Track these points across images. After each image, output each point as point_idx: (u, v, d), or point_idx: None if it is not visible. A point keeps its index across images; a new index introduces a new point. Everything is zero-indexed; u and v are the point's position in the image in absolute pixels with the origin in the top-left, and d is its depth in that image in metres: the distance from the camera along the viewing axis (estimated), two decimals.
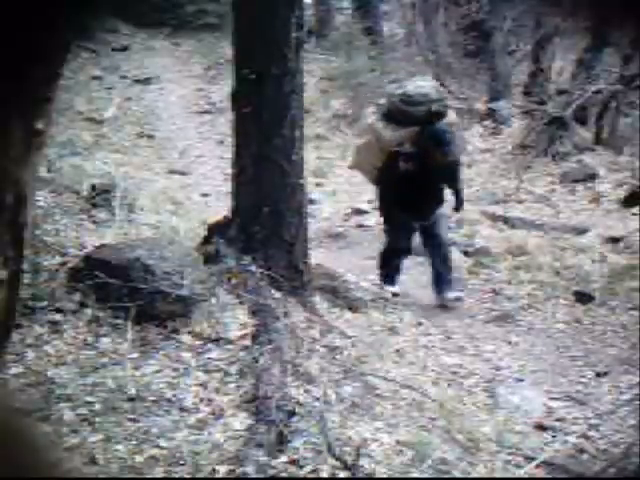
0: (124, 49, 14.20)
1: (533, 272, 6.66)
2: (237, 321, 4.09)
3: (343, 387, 3.88)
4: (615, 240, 7.23)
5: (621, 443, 4.15)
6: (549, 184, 9.00)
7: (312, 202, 7.46)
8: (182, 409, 3.36)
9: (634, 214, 7.71)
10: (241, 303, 4.25)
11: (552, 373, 5.13)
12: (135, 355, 3.70)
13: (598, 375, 5.09)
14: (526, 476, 3.70)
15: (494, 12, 11.22)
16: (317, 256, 5.55)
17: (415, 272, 6.79)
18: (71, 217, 5.22)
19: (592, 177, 8.87)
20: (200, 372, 3.65)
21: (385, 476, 3.18)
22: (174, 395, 3.45)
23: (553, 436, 4.30)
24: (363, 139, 6.19)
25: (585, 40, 10.02)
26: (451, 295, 6.13)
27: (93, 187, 5.72)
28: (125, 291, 3.90)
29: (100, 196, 5.59)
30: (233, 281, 4.40)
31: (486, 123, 10.51)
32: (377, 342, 4.93)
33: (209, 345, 3.86)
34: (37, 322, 3.78)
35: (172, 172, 9.12)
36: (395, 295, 6.20)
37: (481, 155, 9.90)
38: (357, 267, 6.74)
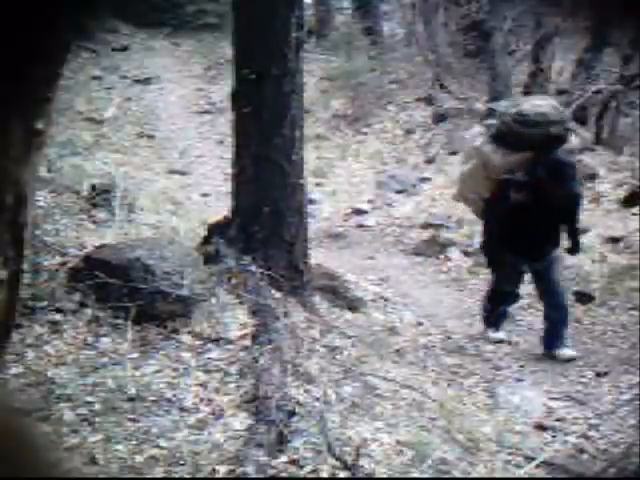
0: (124, 49, 14.20)
1: None
2: (237, 321, 4.10)
3: (343, 387, 3.88)
4: (615, 240, 7.23)
5: (621, 443, 4.14)
6: None
7: (312, 202, 7.46)
8: (182, 409, 3.36)
9: (634, 214, 7.70)
10: (241, 303, 4.25)
11: (552, 373, 5.13)
12: (135, 355, 3.70)
13: (598, 375, 5.09)
14: (526, 476, 3.70)
15: (494, 12, 11.20)
16: (317, 256, 5.55)
17: (415, 272, 6.79)
18: (71, 217, 5.22)
19: (592, 177, 8.87)
20: (200, 372, 3.65)
21: (385, 476, 3.18)
22: (174, 395, 3.45)
23: (553, 436, 4.29)
24: (468, 165, 5.39)
25: (585, 40, 10.02)
26: (564, 353, 5.28)
27: (93, 187, 5.73)
28: (125, 291, 3.90)
29: (100, 196, 5.59)
30: (233, 281, 4.40)
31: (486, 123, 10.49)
32: (377, 342, 4.93)
33: (209, 345, 3.86)
34: (37, 322, 3.79)
35: (172, 172, 9.13)
36: (499, 342, 5.54)
37: None
38: (357, 267, 6.75)
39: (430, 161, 9.98)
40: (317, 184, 9.02)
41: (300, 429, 3.28)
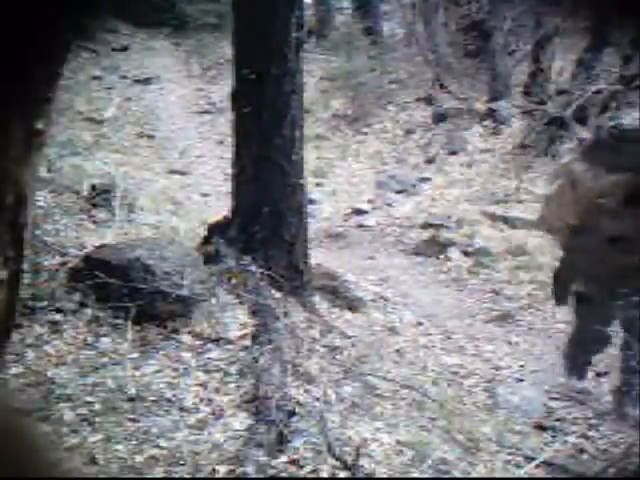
0: (124, 49, 14.20)
1: (533, 272, 6.65)
2: (237, 321, 4.10)
3: (343, 387, 3.88)
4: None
5: (621, 443, 4.14)
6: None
7: (312, 202, 7.45)
8: (182, 409, 3.37)
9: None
10: (241, 303, 4.25)
11: (552, 373, 5.13)
12: (135, 355, 3.70)
13: (598, 375, 5.08)
14: (526, 476, 3.70)
15: (494, 12, 11.21)
16: (317, 256, 5.55)
17: (415, 272, 6.79)
18: (71, 217, 5.22)
19: None
20: (200, 372, 3.65)
21: (385, 476, 3.18)
22: (174, 395, 3.45)
23: (553, 436, 4.29)
24: (554, 185, 4.65)
25: (585, 40, 10.01)
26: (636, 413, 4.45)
27: (93, 187, 5.73)
28: (125, 291, 3.90)
29: (100, 196, 5.59)
30: (233, 281, 4.40)
31: (486, 123, 10.50)
32: (377, 342, 4.94)
33: (209, 345, 3.86)
34: (37, 322, 3.79)
35: (172, 172, 9.12)
36: (583, 393, 4.86)
37: (481, 155, 9.90)
38: (357, 267, 6.74)
39: (430, 161, 9.98)
40: (317, 184, 9.02)
41: (300, 429, 3.29)
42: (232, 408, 3.41)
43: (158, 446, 3.11)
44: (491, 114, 10.57)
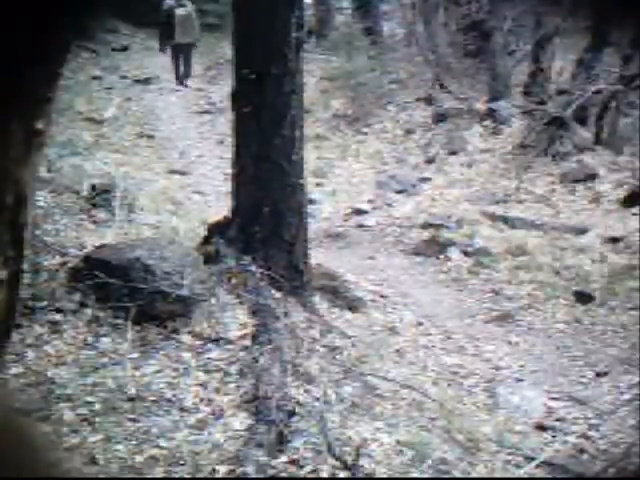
0: (124, 49, 14.21)
1: (533, 272, 6.66)
2: (237, 321, 4.10)
3: (343, 387, 3.88)
4: (615, 240, 7.23)
5: (621, 443, 4.15)
6: (549, 184, 9.00)
7: (312, 202, 7.45)
8: (182, 409, 3.37)
9: (634, 214, 7.70)
10: (241, 303, 4.25)
11: (552, 373, 5.13)
12: (135, 355, 3.70)
13: (598, 375, 5.09)
14: (526, 476, 3.70)
15: (494, 12, 11.21)
16: (317, 256, 5.55)
17: (415, 272, 6.79)
18: (71, 217, 5.22)
19: (592, 177, 8.87)
20: (200, 372, 3.65)
21: (385, 476, 3.18)
22: (174, 395, 3.45)
23: (553, 436, 4.30)
24: None
25: (585, 40, 10.01)
26: None
27: (93, 187, 5.73)
28: (125, 291, 3.90)
29: (100, 196, 5.59)
30: (233, 281, 4.40)
31: (486, 123, 10.50)
32: (377, 342, 4.94)
33: (209, 345, 3.86)
34: (37, 322, 3.79)
35: (172, 172, 9.12)
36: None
37: (481, 155, 9.90)
38: (357, 267, 6.74)
39: (430, 161, 9.98)
40: (317, 184, 9.02)
41: (300, 429, 3.29)
42: (232, 408, 3.41)
43: (158, 446, 3.11)
44: (491, 114, 10.57)
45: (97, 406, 3.30)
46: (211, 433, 3.22)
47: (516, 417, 4.43)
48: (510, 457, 3.83)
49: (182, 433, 3.21)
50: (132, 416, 3.28)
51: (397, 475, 3.22)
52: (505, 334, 5.74)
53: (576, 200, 8.60)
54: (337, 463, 3.09)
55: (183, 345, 3.83)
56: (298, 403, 3.48)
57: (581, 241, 7.28)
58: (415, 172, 9.70)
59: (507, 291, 6.44)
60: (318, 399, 3.59)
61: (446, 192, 8.94)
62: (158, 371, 3.62)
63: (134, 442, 3.13)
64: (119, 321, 3.86)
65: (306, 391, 3.65)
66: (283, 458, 3.10)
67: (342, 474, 3.07)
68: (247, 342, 3.93)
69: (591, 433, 4.36)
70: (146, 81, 12.72)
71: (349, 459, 3.10)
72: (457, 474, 3.42)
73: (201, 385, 3.56)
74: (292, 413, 3.36)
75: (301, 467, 3.08)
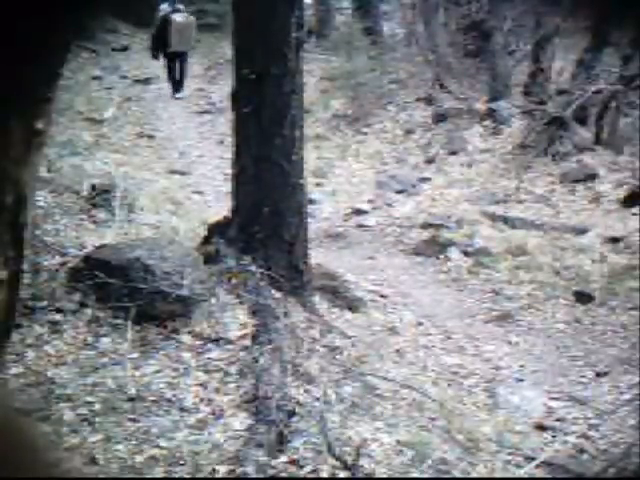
0: (124, 49, 14.21)
1: (533, 272, 6.66)
2: (237, 321, 4.10)
3: (343, 387, 3.88)
4: (615, 240, 7.22)
5: (621, 443, 4.15)
6: (549, 184, 9.00)
7: (312, 202, 7.45)
8: (182, 409, 3.37)
9: (634, 214, 7.70)
10: (241, 303, 4.25)
11: (552, 373, 5.13)
12: (135, 355, 3.70)
13: (598, 375, 5.09)
14: (526, 476, 3.70)
15: (494, 12, 11.21)
16: (317, 256, 5.55)
17: (415, 272, 6.79)
18: (71, 217, 5.22)
19: (592, 177, 8.87)
20: (200, 372, 3.65)
21: (385, 476, 3.18)
22: (174, 395, 3.45)
23: (553, 436, 4.30)
24: None
25: (585, 40, 10.01)
26: None
27: (93, 187, 5.73)
28: (125, 291, 3.90)
29: (100, 196, 5.59)
30: (233, 281, 4.40)
31: (486, 123, 10.50)
32: (377, 342, 4.93)
33: (209, 345, 3.86)
34: (37, 322, 3.79)
35: (172, 172, 9.12)
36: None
37: (481, 155, 9.90)
38: (357, 267, 6.74)
39: (430, 161, 9.98)
40: (317, 184, 9.02)
41: (300, 429, 3.29)
42: (232, 408, 3.41)
43: (158, 446, 3.11)
44: (491, 114, 10.57)
45: (97, 406, 3.30)
46: (211, 433, 3.22)
47: (516, 417, 4.43)
48: (510, 457, 3.83)
49: (182, 433, 3.21)
50: (132, 416, 3.28)
51: (397, 475, 3.22)
52: (505, 334, 5.74)
53: (576, 200, 8.60)
54: (337, 463, 3.09)
55: (183, 345, 3.83)
56: (298, 403, 3.48)
57: (581, 241, 7.28)
58: (415, 172, 9.70)
59: (507, 291, 6.43)
60: (318, 399, 3.59)
61: (446, 192, 8.94)
62: (158, 371, 3.62)
63: (134, 442, 3.13)
64: (119, 321, 3.86)
65: (306, 391, 3.65)
66: (283, 458, 3.10)
67: (342, 474, 3.07)
68: (247, 342, 3.93)
69: (591, 433, 4.36)
70: (146, 81, 12.71)
71: (349, 459, 3.10)
72: (457, 474, 3.42)
73: (201, 385, 3.56)
74: (292, 413, 3.36)
75: (301, 467, 3.08)
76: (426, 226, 7.88)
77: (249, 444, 3.10)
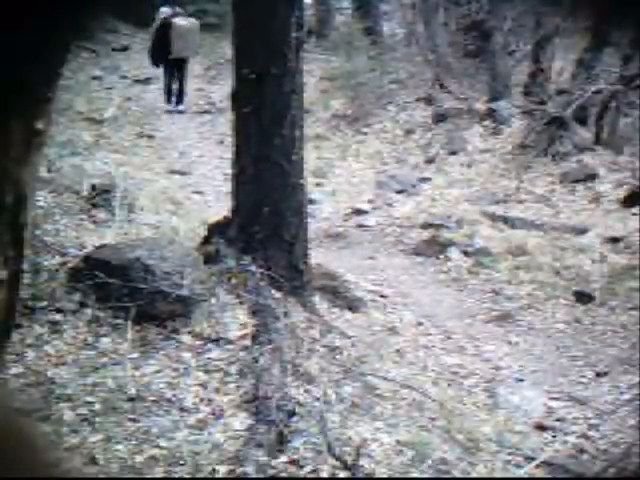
0: (124, 49, 14.22)
1: (533, 272, 6.66)
2: (237, 321, 4.10)
3: (343, 387, 3.88)
4: (615, 240, 7.22)
5: (621, 443, 4.14)
6: (549, 184, 9.00)
7: (312, 202, 7.45)
8: (182, 409, 3.37)
9: (634, 214, 7.70)
10: (241, 303, 4.25)
11: (552, 373, 5.13)
12: (135, 355, 3.70)
13: (598, 375, 5.09)
14: (526, 476, 3.70)
15: (494, 12, 11.21)
16: (317, 256, 5.54)
17: (415, 272, 6.79)
18: (71, 217, 5.22)
19: (592, 177, 8.86)
20: (200, 372, 3.65)
21: (385, 476, 3.18)
22: (174, 395, 3.45)
23: (553, 436, 4.30)
24: None
25: (585, 40, 10.01)
26: None
27: (93, 187, 5.72)
28: (125, 291, 3.90)
29: (100, 196, 5.59)
30: (233, 281, 4.40)
31: (486, 123, 10.49)
32: (377, 342, 4.93)
33: (209, 345, 3.86)
34: (37, 322, 3.79)
35: (172, 172, 9.12)
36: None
37: (481, 155, 9.90)
38: (357, 267, 6.74)
39: (430, 161, 9.97)
40: (317, 184, 9.01)
41: (300, 429, 3.29)
42: (232, 408, 3.41)
43: (158, 446, 3.11)
44: (491, 114, 10.57)
45: (97, 406, 3.30)
46: (211, 433, 3.22)
47: (516, 417, 4.43)
48: (510, 457, 3.83)
49: (182, 433, 3.21)
50: (132, 416, 3.28)
51: (397, 475, 3.22)
52: (505, 334, 5.74)
53: (576, 200, 8.60)
54: (337, 463, 3.09)
55: (183, 345, 3.83)
56: (298, 403, 3.48)
57: (581, 241, 7.27)
58: (415, 172, 9.70)
59: (507, 291, 6.43)
60: (318, 399, 3.59)
61: (446, 192, 8.93)
62: (158, 371, 3.62)
63: (134, 442, 3.13)
64: (119, 321, 3.86)
65: (306, 391, 3.65)
66: (283, 458, 3.10)
67: (342, 474, 3.07)
68: (247, 342, 3.93)
69: (591, 433, 4.36)
70: (146, 81, 12.71)
71: (349, 459, 3.10)
72: (457, 474, 3.42)
73: (201, 385, 3.56)
74: (292, 413, 3.36)
75: (301, 467, 3.08)
76: (426, 226, 7.88)
77: (249, 444, 3.10)
